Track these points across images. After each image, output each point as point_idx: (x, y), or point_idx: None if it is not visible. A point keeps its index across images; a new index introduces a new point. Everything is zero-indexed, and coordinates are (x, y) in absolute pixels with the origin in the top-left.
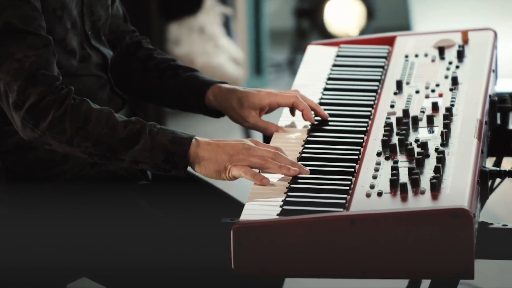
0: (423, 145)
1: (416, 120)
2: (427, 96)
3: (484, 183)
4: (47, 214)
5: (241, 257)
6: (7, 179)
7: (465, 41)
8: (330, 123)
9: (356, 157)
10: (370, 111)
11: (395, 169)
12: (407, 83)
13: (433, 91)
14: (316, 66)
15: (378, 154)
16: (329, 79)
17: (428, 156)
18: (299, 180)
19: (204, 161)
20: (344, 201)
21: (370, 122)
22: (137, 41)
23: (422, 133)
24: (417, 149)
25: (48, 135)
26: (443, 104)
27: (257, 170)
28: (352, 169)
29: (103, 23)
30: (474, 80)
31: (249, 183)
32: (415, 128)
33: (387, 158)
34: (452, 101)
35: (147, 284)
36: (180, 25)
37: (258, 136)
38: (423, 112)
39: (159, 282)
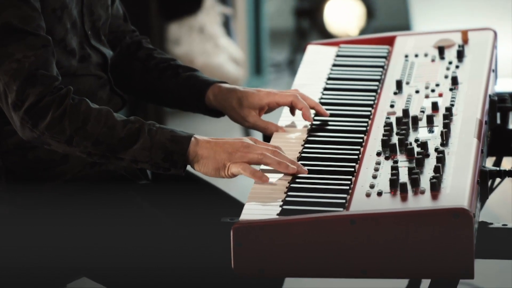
0: (423, 145)
1: (416, 120)
2: (427, 96)
3: (484, 182)
4: (47, 214)
5: (241, 257)
6: (7, 179)
7: (465, 41)
8: (330, 123)
9: (356, 157)
10: (370, 111)
11: (395, 169)
12: (407, 83)
13: (433, 91)
14: (316, 66)
15: (378, 154)
16: (329, 79)
17: (428, 156)
18: (299, 180)
19: (203, 159)
20: (344, 201)
21: (370, 122)
22: (137, 41)
23: (422, 133)
24: (417, 149)
25: (47, 135)
26: (443, 104)
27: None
28: (352, 169)
29: (103, 23)
30: (474, 80)
31: (249, 183)
32: (415, 128)
33: (387, 158)
34: (452, 101)
35: (147, 284)
36: (180, 25)
37: (258, 135)
38: (423, 112)
39: (159, 282)
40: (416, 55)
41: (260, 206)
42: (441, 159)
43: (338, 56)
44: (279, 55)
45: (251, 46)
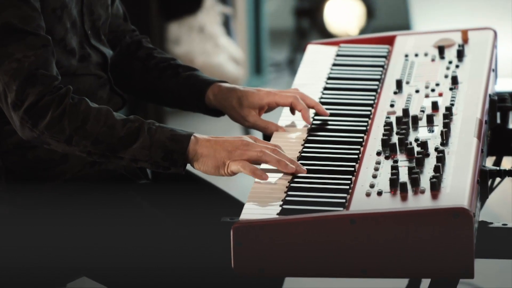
0: (423, 145)
1: (416, 119)
2: (427, 96)
3: (484, 182)
4: (47, 214)
5: (241, 256)
6: (7, 179)
7: (465, 40)
8: (330, 123)
9: (356, 156)
10: (370, 111)
11: (395, 168)
12: (407, 83)
13: (433, 90)
14: (316, 66)
15: (378, 154)
16: (329, 78)
17: (428, 155)
18: (299, 180)
19: (202, 157)
20: (344, 201)
21: (370, 121)
22: (137, 41)
23: (422, 133)
24: (417, 149)
25: (47, 134)
26: (443, 103)
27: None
28: (352, 169)
29: (103, 23)
30: (474, 79)
31: (249, 182)
32: (415, 128)
33: (387, 158)
34: (452, 101)
35: (147, 284)
36: (180, 24)
37: (258, 135)
38: (423, 111)
39: (159, 282)
40: (416, 55)
41: (260, 206)
42: (441, 159)
43: (338, 55)
44: (279, 55)
45: (251, 45)
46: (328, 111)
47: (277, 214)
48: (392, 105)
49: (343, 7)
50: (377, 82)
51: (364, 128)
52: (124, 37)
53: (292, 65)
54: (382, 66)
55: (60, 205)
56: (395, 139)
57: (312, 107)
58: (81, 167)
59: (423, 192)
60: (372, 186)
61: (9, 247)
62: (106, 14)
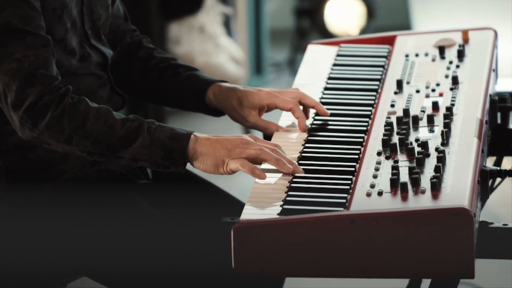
0: (424, 145)
1: (416, 119)
2: (427, 96)
3: (485, 182)
4: (47, 214)
5: (241, 256)
6: (7, 179)
7: (466, 40)
8: (330, 123)
9: (357, 156)
10: (370, 111)
11: (395, 168)
12: (408, 83)
13: (433, 90)
14: (316, 66)
15: (379, 154)
16: (330, 78)
17: (428, 155)
18: (300, 180)
19: (202, 156)
20: (344, 201)
21: (370, 121)
22: (138, 41)
23: (423, 133)
24: (417, 149)
25: (46, 134)
26: (443, 103)
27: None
28: (353, 169)
29: (103, 23)
30: (474, 79)
31: (249, 182)
32: (416, 128)
33: (387, 158)
34: (452, 101)
35: (147, 283)
36: (180, 24)
37: (258, 135)
38: (423, 111)
39: (159, 282)
40: (417, 55)
41: (261, 206)
42: (441, 159)
43: (338, 55)
44: (280, 55)
45: (252, 45)
46: (329, 111)
47: (278, 214)
48: (392, 105)
49: (343, 7)
50: (377, 82)
51: (365, 128)
52: (125, 37)
53: (292, 65)
54: (382, 66)
55: (60, 205)
56: (395, 139)
57: (313, 107)
58: (81, 167)
59: (423, 192)
60: (372, 186)
61: (9, 247)
62: (106, 14)
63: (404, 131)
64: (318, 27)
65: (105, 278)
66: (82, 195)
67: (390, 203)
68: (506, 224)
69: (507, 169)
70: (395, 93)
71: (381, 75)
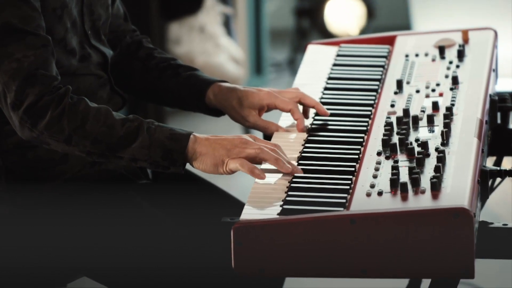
0: (424, 145)
1: (416, 119)
2: (427, 96)
3: (485, 182)
4: (47, 214)
5: (241, 256)
6: (7, 179)
7: (466, 40)
8: (330, 123)
9: (357, 156)
10: (370, 111)
11: (395, 168)
12: (408, 83)
13: (433, 90)
14: (316, 66)
15: (379, 154)
16: (330, 78)
17: (428, 155)
18: (299, 180)
19: (201, 156)
20: (344, 201)
21: (370, 121)
22: (138, 41)
23: (423, 133)
24: (417, 149)
25: (46, 134)
26: (443, 103)
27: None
28: (353, 169)
29: (103, 23)
30: (474, 79)
31: (249, 182)
32: (416, 128)
33: (387, 158)
34: (452, 101)
35: (147, 283)
36: (181, 24)
37: (258, 135)
38: (423, 111)
39: (159, 282)
40: (417, 55)
41: (261, 206)
42: (441, 159)
43: (338, 55)
44: (280, 55)
45: (252, 45)
46: (329, 111)
47: (278, 214)
48: (392, 105)
49: (343, 7)
50: (377, 82)
51: (365, 128)
52: (125, 37)
53: (292, 65)
54: (382, 66)
55: (60, 205)
56: (395, 139)
57: (313, 107)
58: (81, 167)
59: (423, 192)
60: (372, 186)
61: (9, 247)
62: (106, 14)
63: (404, 131)
64: (318, 27)
65: (105, 278)
66: (82, 195)
67: (390, 203)
68: (506, 224)
69: (507, 169)
70: (395, 93)
71: (381, 75)
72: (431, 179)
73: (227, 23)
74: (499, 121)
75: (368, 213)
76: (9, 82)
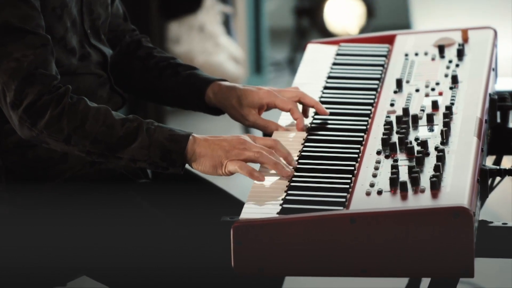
0: (423, 144)
1: (416, 118)
2: (427, 95)
3: (484, 181)
4: (47, 214)
5: (241, 255)
6: (7, 179)
7: (465, 39)
8: (330, 122)
9: (356, 155)
10: (370, 110)
11: (395, 167)
12: (407, 82)
13: (433, 89)
14: (316, 65)
15: (378, 153)
16: (329, 77)
17: (428, 154)
18: (299, 179)
19: (200, 157)
20: (344, 200)
21: (370, 120)
22: (137, 40)
23: (422, 132)
24: (417, 148)
25: (45, 133)
26: (443, 102)
27: (257, 167)
28: (352, 168)
29: (103, 22)
30: (474, 78)
31: (249, 182)
32: (415, 127)
33: (387, 157)
34: (452, 100)
35: (147, 283)
36: (180, 23)
37: (258, 134)
38: (423, 110)
39: (159, 282)
40: (416, 54)
41: (260, 205)
42: (441, 158)
43: (338, 55)
44: (279, 54)
45: (251, 44)
46: (328, 110)
47: (277, 213)
48: (392, 104)
49: (343, 6)
50: (377, 81)
51: (364, 127)
52: (124, 36)
53: (292, 64)
54: (382, 65)
55: (60, 205)
56: (395, 138)
57: (312, 106)
58: (81, 167)
59: (423, 191)
60: (372, 185)
61: (9, 247)
62: (105, 13)
63: (403, 130)
64: (318, 26)
65: (105, 277)
66: (82, 195)
67: (389, 202)
68: (506, 223)
69: (507, 168)
70: (395, 92)
71: (380, 74)
72: (430, 178)
73: (227, 22)
74: (498, 120)
75: (367, 212)
76: (9, 82)
